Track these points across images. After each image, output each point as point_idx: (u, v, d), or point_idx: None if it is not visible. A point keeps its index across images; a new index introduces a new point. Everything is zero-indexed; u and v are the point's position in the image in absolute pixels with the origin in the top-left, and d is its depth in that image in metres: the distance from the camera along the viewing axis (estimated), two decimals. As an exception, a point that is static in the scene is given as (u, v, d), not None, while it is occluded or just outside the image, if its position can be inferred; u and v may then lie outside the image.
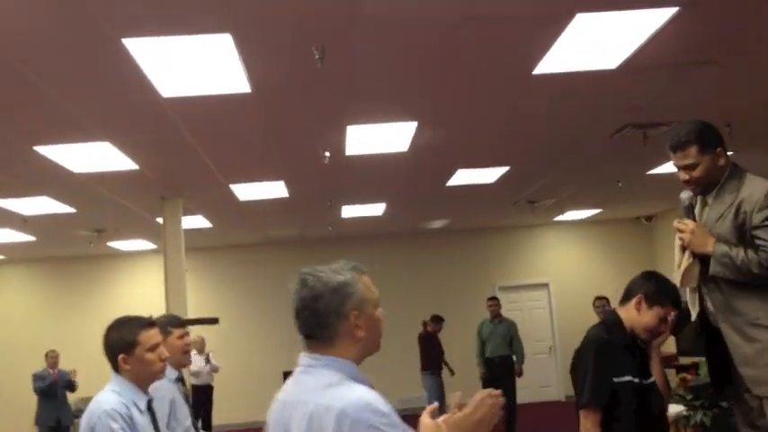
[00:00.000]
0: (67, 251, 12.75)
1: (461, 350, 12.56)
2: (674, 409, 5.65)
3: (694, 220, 3.07)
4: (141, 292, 13.18)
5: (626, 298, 2.98)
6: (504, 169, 8.53)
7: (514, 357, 10.14)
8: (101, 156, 6.58)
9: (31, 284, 13.76)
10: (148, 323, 3.04)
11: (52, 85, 4.87)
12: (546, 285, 14.22)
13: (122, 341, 2.95)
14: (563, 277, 14.21)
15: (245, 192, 8.75)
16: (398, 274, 13.79)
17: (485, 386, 9.99)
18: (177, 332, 3.86)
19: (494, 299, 10.65)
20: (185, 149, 6.62)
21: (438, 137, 6.86)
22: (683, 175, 3.03)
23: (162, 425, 3.16)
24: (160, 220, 9.32)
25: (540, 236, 14.34)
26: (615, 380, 2.79)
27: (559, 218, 13.22)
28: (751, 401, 2.96)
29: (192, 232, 10.65)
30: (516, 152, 7.78)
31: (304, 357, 1.86)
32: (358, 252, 13.76)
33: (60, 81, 4.82)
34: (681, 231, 3.01)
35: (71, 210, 8.90)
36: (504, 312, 10.77)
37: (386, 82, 5.31)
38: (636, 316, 2.91)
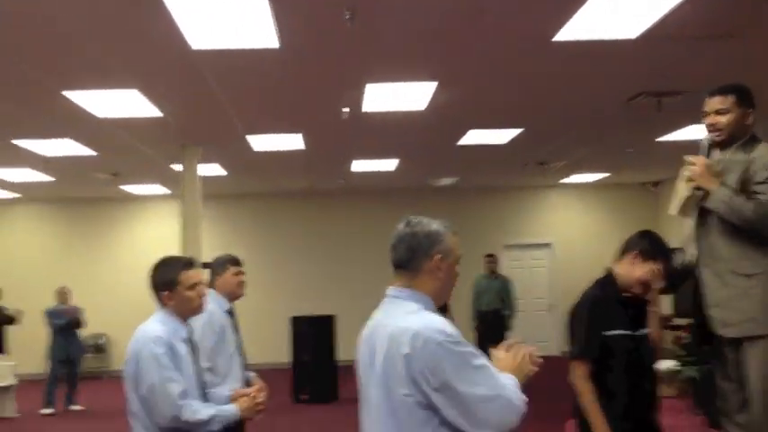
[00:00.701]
0: (83, 192, 12.97)
1: (465, 305, 12.84)
2: (666, 364, 5.91)
3: None
4: (154, 236, 13.44)
5: (622, 254, 3.17)
6: (517, 131, 8.68)
7: (507, 312, 10.60)
8: (127, 102, 6.74)
9: (45, 224, 14.01)
10: (189, 263, 3.31)
11: (85, 32, 5.00)
12: (549, 245, 14.47)
13: (165, 279, 3.20)
14: (566, 238, 14.43)
15: (262, 143, 8.92)
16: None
17: (478, 338, 10.35)
18: (233, 269, 4.28)
19: (491, 255, 11.00)
20: (210, 100, 6.78)
21: (456, 97, 7.00)
22: (711, 120, 3.27)
23: (204, 351, 3.49)
24: (176, 166, 9.51)
25: (547, 197, 14.53)
26: (607, 333, 2.98)
27: (566, 180, 13.38)
28: (729, 354, 3.20)
29: (206, 180, 10.84)
30: (531, 114, 7.92)
31: (391, 289, 2.22)
32: (368, 205, 14.01)
33: (93, 28, 4.95)
34: (692, 164, 3.21)
35: (92, 153, 9.08)
36: (507, 270, 11.06)
37: (410, 42, 5.43)
38: (630, 270, 3.09)
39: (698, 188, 3.23)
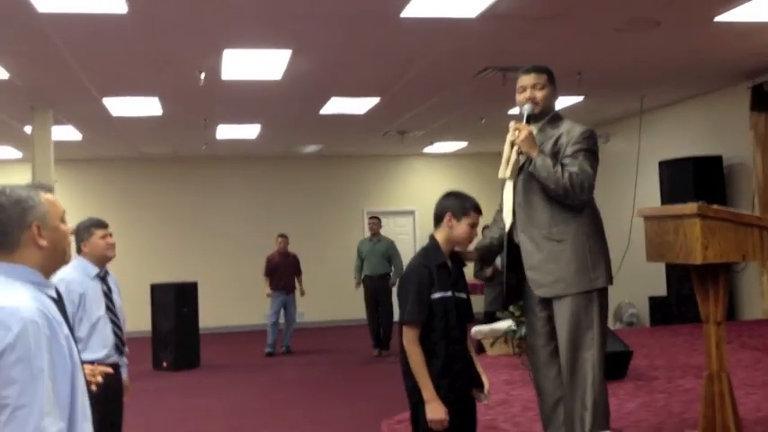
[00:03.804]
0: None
1: (329, 269, 13.17)
2: (505, 324, 6.39)
3: None
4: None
5: (437, 221, 3.38)
6: (375, 100, 8.94)
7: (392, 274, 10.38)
8: (-32, 62, 6.49)
9: None
10: None
11: None
12: (412, 213, 14.96)
13: None
14: (429, 206, 14.65)
15: (118, 106, 8.75)
16: (271, 194, 14.13)
17: (366, 303, 10.45)
18: (99, 232, 4.12)
19: (375, 218, 10.84)
20: (59, 62, 6.62)
21: (312, 65, 7.16)
22: (529, 93, 3.59)
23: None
24: (28, 129, 9.17)
25: (410, 166, 14.98)
26: (432, 297, 3.24)
27: (428, 149, 13.84)
28: (539, 312, 3.59)
29: (62, 144, 10.50)
30: (386, 85, 8.19)
31: None
32: (232, 172, 13.98)
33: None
34: (517, 130, 3.51)
35: (-68, 113, 8.63)
36: (371, 236, 11.22)
37: (262, 8, 5.53)
38: (450, 232, 3.33)
39: (520, 153, 3.55)
